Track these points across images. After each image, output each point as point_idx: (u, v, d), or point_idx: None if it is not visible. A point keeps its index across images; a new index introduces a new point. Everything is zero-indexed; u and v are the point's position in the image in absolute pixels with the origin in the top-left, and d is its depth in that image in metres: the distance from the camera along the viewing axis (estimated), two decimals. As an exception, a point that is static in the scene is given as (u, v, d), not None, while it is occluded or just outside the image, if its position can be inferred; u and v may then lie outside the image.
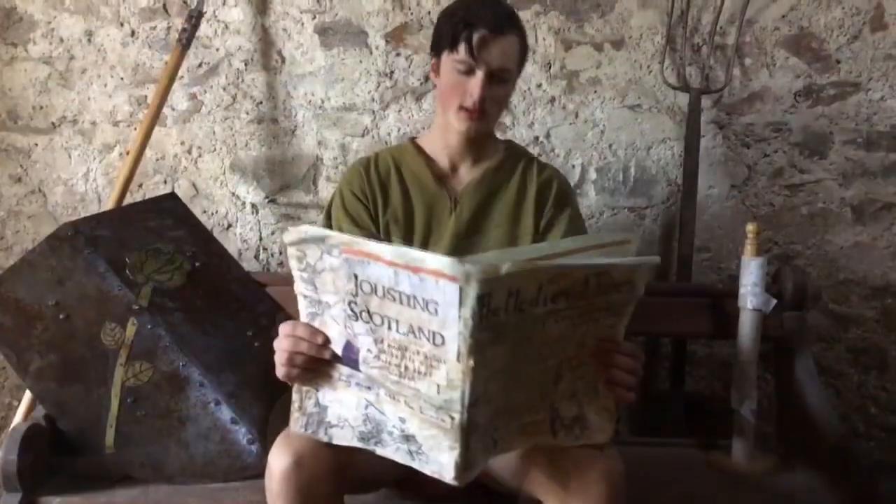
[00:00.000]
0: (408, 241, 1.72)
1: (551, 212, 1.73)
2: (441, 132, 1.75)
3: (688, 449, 2.02)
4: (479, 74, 1.62)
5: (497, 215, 1.73)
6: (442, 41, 1.66)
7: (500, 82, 1.65)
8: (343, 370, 1.26)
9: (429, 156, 1.77)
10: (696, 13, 2.22)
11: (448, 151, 1.75)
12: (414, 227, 1.73)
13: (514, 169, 1.76)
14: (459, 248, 1.69)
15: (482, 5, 1.64)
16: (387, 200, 1.74)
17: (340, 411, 1.29)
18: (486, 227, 1.72)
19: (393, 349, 1.18)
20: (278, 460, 1.39)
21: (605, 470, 1.36)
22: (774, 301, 1.89)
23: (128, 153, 2.20)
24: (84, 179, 2.34)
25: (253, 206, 2.35)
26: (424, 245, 1.72)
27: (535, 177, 1.76)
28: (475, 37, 1.60)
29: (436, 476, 1.19)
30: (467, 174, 1.75)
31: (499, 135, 1.85)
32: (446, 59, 1.65)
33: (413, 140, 1.82)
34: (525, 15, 2.22)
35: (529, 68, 2.24)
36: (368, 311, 1.18)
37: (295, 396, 1.34)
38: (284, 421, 1.41)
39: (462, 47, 1.61)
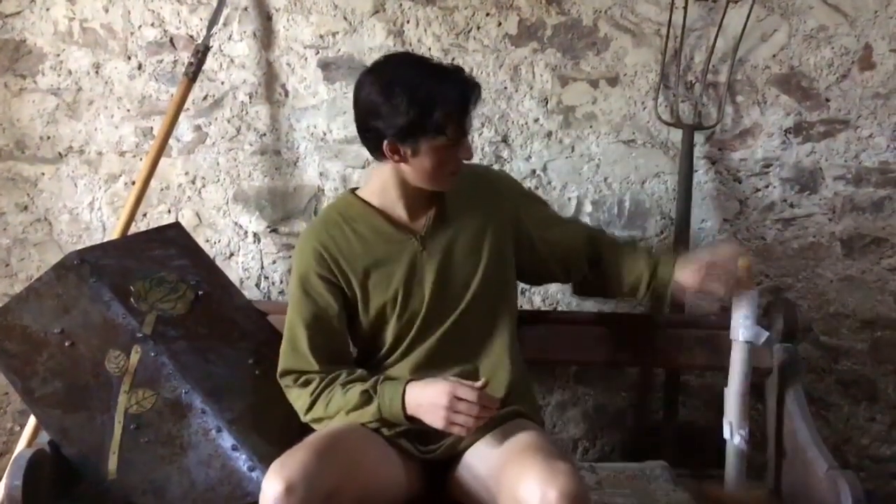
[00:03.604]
0: (386, 288, 1.75)
1: (522, 206, 1.86)
2: (399, 191, 1.75)
3: (681, 478, 2.04)
4: (466, 140, 1.67)
5: (462, 239, 1.78)
6: (417, 129, 1.61)
7: None
8: None
9: (380, 209, 1.77)
10: (689, 52, 2.28)
11: (406, 203, 1.76)
12: (392, 279, 1.76)
13: (462, 188, 1.78)
14: (442, 282, 1.75)
15: (455, 84, 1.63)
16: (355, 267, 1.76)
17: None
18: (457, 252, 1.77)
19: None
20: (271, 486, 1.45)
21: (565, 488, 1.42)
22: (766, 333, 1.90)
23: (133, 183, 2.24)
24: (89, 208, 2.38)
25: (255, 235, 2.39)
26: (408, 290, 1.75)
27: (485, 186, 1.84)
28: (461, 117, 1.63)
29: None
30: (424, 212, 1.79)
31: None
32: (427, 145, 1.62)
33: (354, 193, 1.83)
34: (523, 52, 2.28)
35: (527, 103, 2.30)
36: None
37: None
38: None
39: (453, 131, 1.62)
